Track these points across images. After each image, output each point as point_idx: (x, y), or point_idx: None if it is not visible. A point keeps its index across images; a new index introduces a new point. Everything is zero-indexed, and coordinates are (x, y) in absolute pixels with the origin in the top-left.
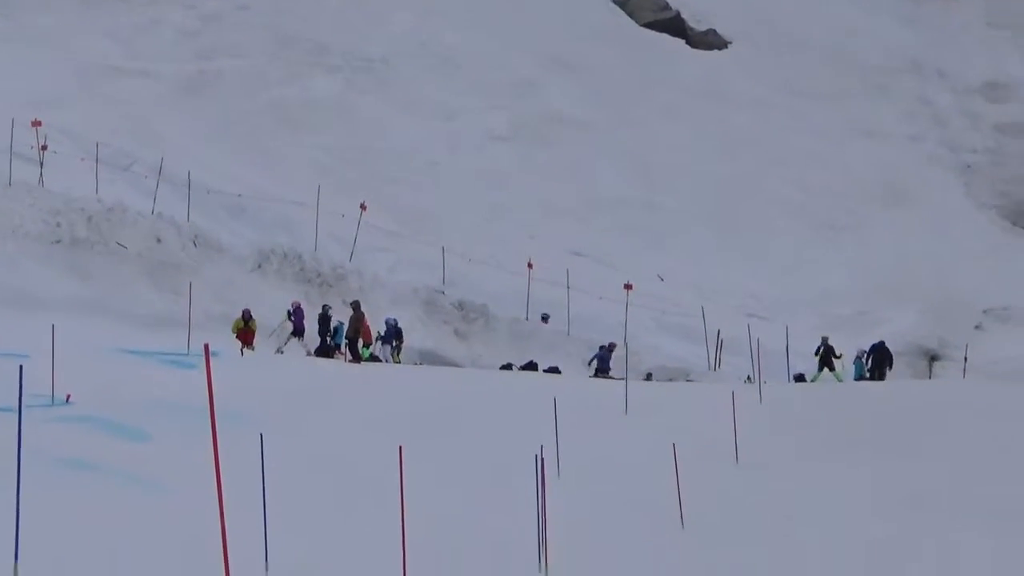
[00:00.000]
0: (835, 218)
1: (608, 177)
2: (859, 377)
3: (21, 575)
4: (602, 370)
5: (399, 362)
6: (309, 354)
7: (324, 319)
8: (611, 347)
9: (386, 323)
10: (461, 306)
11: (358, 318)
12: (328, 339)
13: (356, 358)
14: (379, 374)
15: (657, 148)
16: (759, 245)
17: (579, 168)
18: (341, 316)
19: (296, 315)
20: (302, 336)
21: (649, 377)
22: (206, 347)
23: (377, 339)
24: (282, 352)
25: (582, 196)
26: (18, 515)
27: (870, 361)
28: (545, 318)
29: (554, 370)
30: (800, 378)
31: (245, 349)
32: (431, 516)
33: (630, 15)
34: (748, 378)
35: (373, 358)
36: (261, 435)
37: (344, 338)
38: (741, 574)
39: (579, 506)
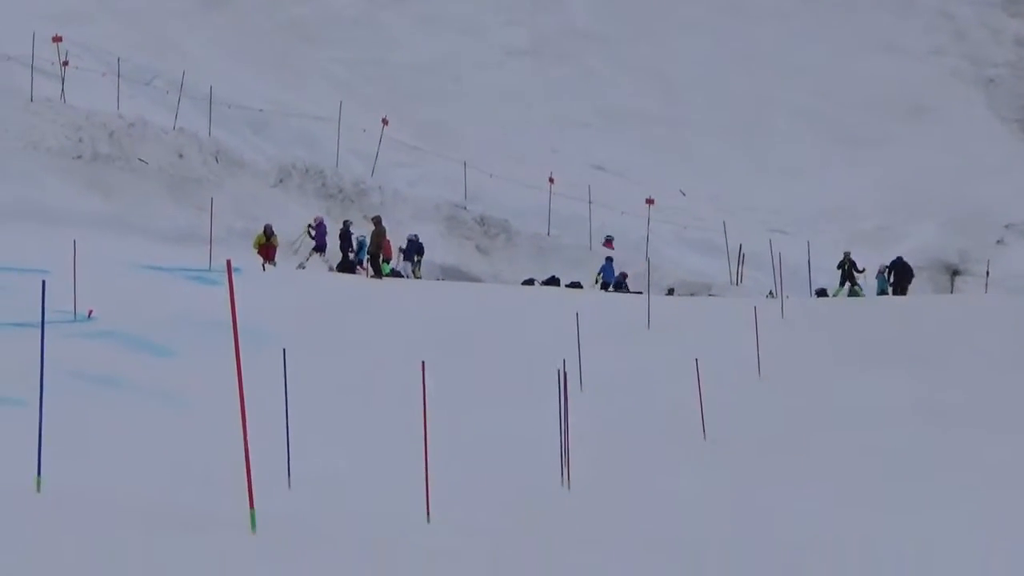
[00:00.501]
0: (856, 132)
1: (629, 92)
2: (881, 292)
3: (45, 490)
4: (608, 285)
5: (420, 277)
6: (331, 270)
7: (345, 234)
8: (623, 276)
9: (408, 239)
10: (483, 221)
11: (380, 233)
12: (350, 254)
13: (378, 273)
14: (401, 290)
15: (678, 62)
16: (781, 159)
17: (600, 83)
18: (362, 231)
19: (318, 230)
20: (324, 252)
21: (671, 292)
22: (228, 263)
23: (399, 254)
24: (304, 268)
25: (603, 111)
26: (41, 429)
27: (891, 276)
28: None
29: (576, 285)
30: (822, 293)
31: (267, 265)
32: (454, 431)
33: None
34: (770, 293)
35: (395, 273)
36: (284, 351)
37: (366, 253)
38: (763, 484)
39: (601, 420)
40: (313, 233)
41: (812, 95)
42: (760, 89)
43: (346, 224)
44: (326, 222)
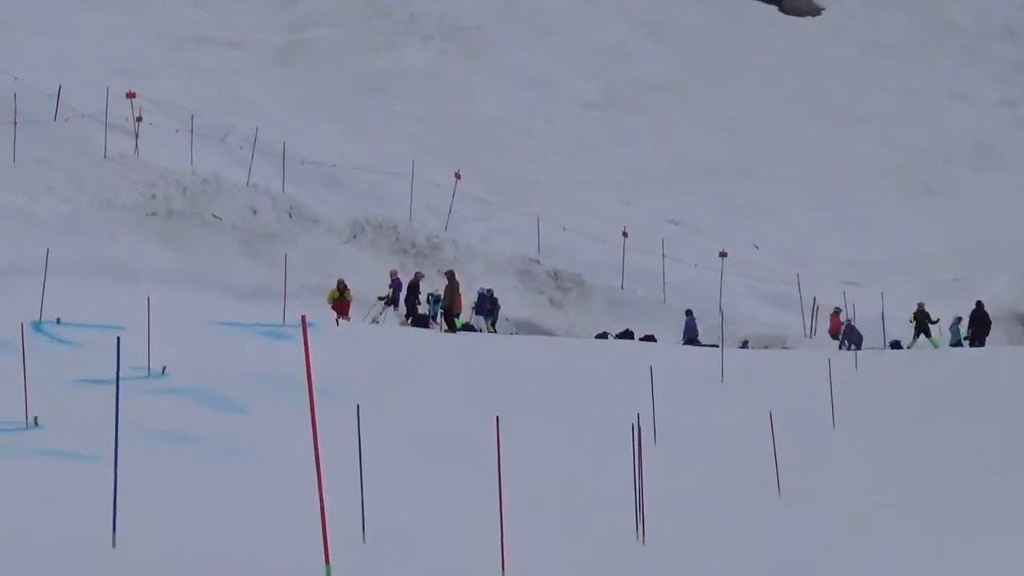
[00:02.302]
0: (926, 181)
1: (701, 144)
2: (955, 343)
3: (120, 546)
4: (690, 340)
5: (495, 331)
6: (403, 324)
7: (414, 287)
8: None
9: (479, 293)
10: (556, 275)
11: (453, 288)
12: (417, 307)
13: (451, 327)
14: (474, 344)
15: (749, 114)
16: (852, 210)
17: (672, 135)
18: (435, 286)
19: (394, 285)
20: (397, 306)
21: (745, 345)
22: (303, 318)
23: (472, 309)
24: (377, 322)
25: (675, 163)
26: (116, 486)
27: (967, 326)
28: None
29: (650, 338)
30: (896, 345)
31: (340, 319)
32: (528, 486)
33: None
34: (844, 345)
35: (467, 327)
36: (358, 406)
37: (439, 308)
38: (839, 541)
39: (676, 473)
40: (389, 294)
41: (882, 144)
42: (830, 139)
43: (417, 276)
44: (400, 276)
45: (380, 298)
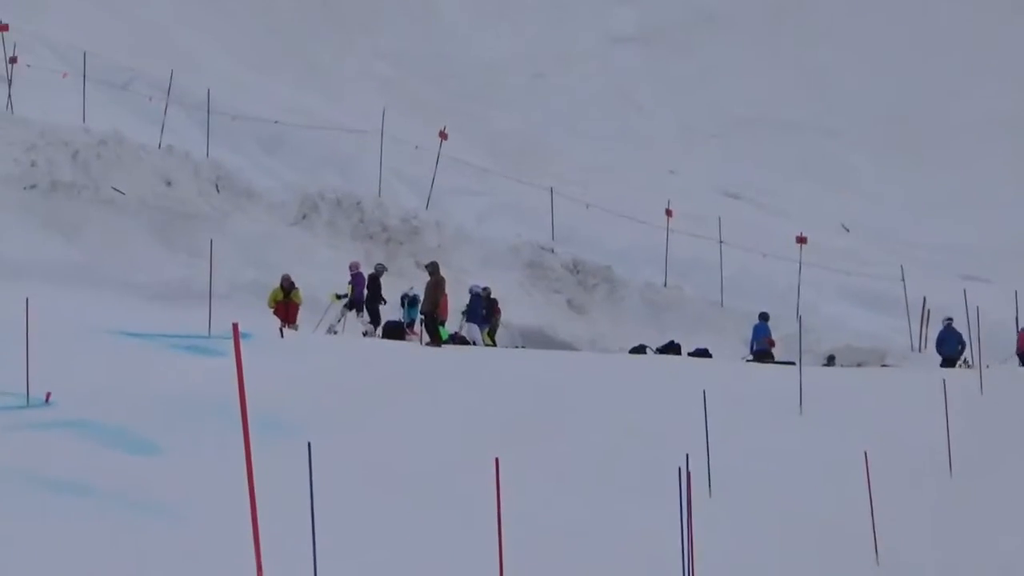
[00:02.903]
0: None
1: (768, 94)
2: None
3: None
4: (762, 352)
5: (493, 344)
6: (368, 334)
7: (374, 284)
8: (769, 344)
9: (471, 293)
10: (576, 268)
11: (436, 285)
12: (378, 308)
13: (435, 339)
14: (466, 361)
15: (834, 54)
16: (974, 182)
17: (731, 82)
18: (414, 282)
19: (355, 281)
20: (361, 310)
21: (831, 361)
22: (235, 327)
23: (462, 315)
24: (336, 332)
25: (736, 119)
26: None
27: None
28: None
29: (703, 353)
30: None
31: (285, 328)
32: (537, 551)
33: None
34: (965, 361)
35: (458, 339)
36: (309, 444)
37: (418, 313)
38: None
39: (738, 535)
40: (346, 293)
41: (1007, 97)
42: (943, 86)
43: (378, 269)
44: (363, 269)
45: (338, 297)
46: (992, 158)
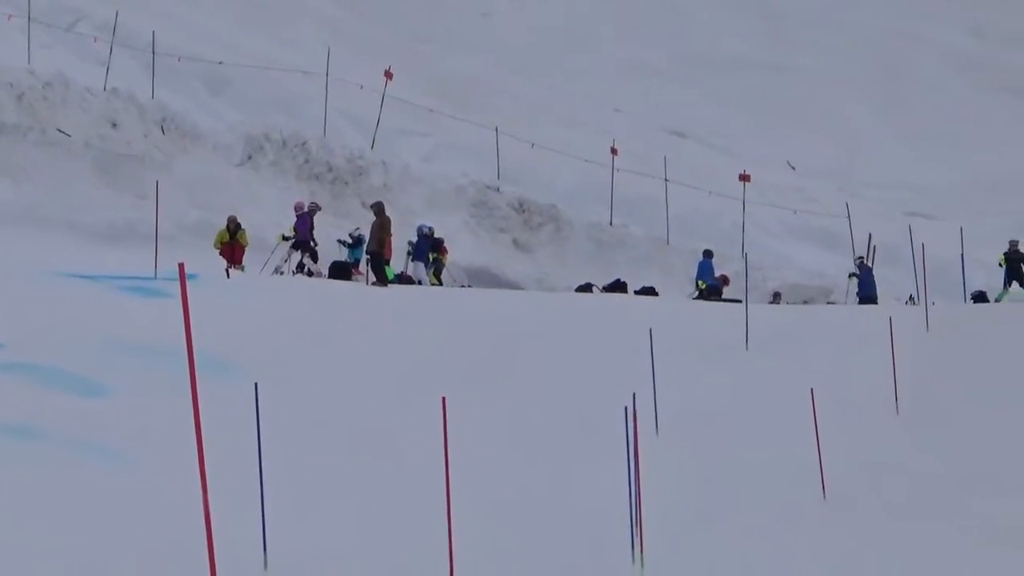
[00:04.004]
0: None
1: (720, 28)
2: None
3: None
4: (713, 288)
5: (439, 284)
6: (312, 274)
7: (307, 220)
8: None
9: (418, 232)
10: (522, 207)
11: (382, 226)
12: (313, 247)
13: (381, 279)
14: (412, 301)
15: None
16: (924, 119)
17: (680, 16)
18: (360, 222)
19: (300, 222)
20: (307, 250)
21: (777, 299)
22: (181, 268)
23: (408, 254)
24: (282, 272)
25: (684, 54)
26: None
27: None
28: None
29: (649, 291)
30: (981, 297)
31: (232, 269)
32: (486, 492)
33: None
34: (911, 298)
35: (404, 279)
36: (256, 386)
37: (365, 252)
38: (902, 559)
39: (684, 473)
40: (292, 234)
41: (966, 32)
42: (897, 24)
43: (312, 208)
44: (306, 206)
45: (285, 238)
46: (943, 97)
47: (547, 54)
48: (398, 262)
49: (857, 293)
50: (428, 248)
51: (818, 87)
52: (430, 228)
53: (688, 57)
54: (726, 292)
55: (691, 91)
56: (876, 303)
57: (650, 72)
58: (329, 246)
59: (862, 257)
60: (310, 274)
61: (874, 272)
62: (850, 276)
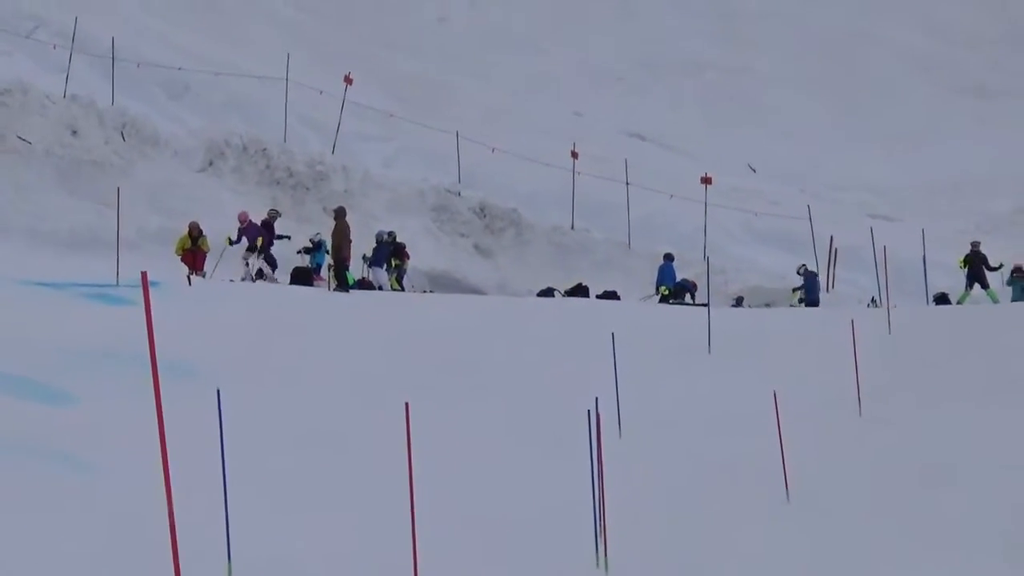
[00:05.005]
0: (987, 80)
1: (677, 30)
2: (1019, 299)
3: None
4: (680, 287)
5: (401, 289)
6: (264, 278)
7: (267, 228)
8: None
9: (377, 238)
10: (483, 211)
11: (342, 231)
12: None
13: (342, 285)
14: (373, 306)
15: None
16: (883, 120)
17: (636, 19)
18: (321, 227)
19: (248, 232)
20: (258, 251)
21: (739, 302)
22: (144, 275)
23: (364, 259)
24: (254, 280)
25: (642, 57)
26: None
27: None
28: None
29: (611, 295)
30: (943, 299)
31: (194, 276)
32: (449, 497)
33: None
34: (872, 300)
35: (364, 284)
36: (218, 392)
37: (324, 257)
38: (865, 560)
39: (648, 476)
40: (236, 237)
41: (924, 32)
42: (853, 24)
43: (271, 215)
44: (251, 216)
45: (231, 242)
46: (903, 97)
47: (505, 58)
48: (356, 267)
49: (801, 300)
50: (387, 253)
51: (776, 88)
52: (389, 233)
53: (646, 60)
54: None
55: (650, 94)
56: (818, 306)
57: (609, 75)
58: (286, 252)
59: (804, 265)
60: (262, 277)
61: (836, 274)
62: (794, 290)
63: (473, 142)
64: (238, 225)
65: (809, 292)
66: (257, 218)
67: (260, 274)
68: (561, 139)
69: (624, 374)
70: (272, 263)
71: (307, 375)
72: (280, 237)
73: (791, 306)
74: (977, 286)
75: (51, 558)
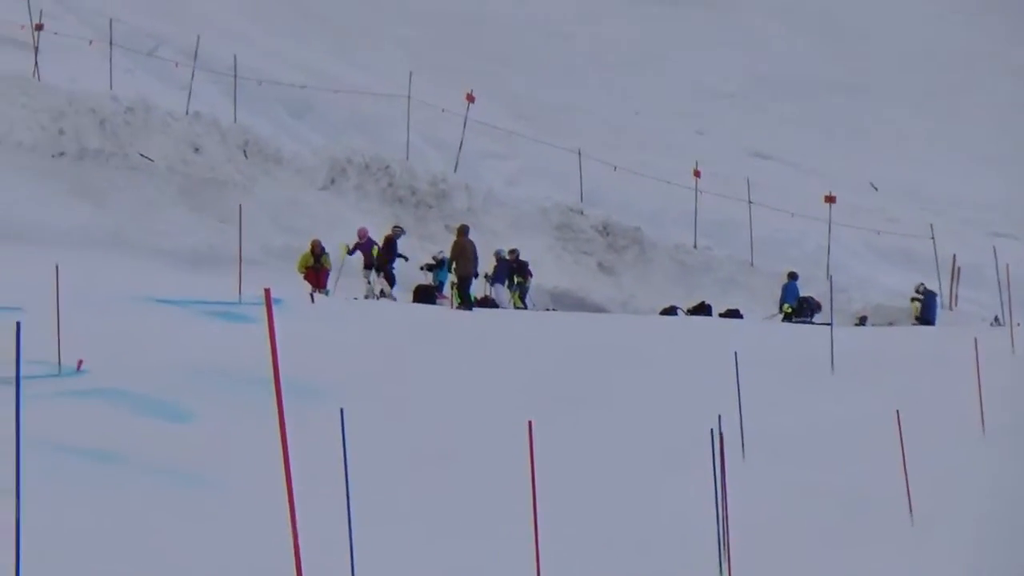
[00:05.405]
0: None
1: (796, 50)
2: None
3: None
4: (805, 301)
5: (524, 307)
6: (382, 295)
7: (390, 245)
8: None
9: (497, 256)
10: (606, 230)
11: (464, 247)
12: (392, 272)
13: (466, 302)
14: (497, 324)
15: (860, 8)
16: (1005, 137)
17: (758, 40)
18: (443, 245)
19: (363, 247)
20: (380, 271)
21: (862, 322)
22: (267, 292)
23: (485, 277)
24: (378, 297)
25: (762, 77)
26: (18, 524)
27: None
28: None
29: (733, 314)
30: None
31: (316, 293)
32: (571, 515)
33: None
34: (996, 319)
35: (486, 302)
36: (342, 411)
37: (447, 275)
38: None
39: (772, 496)
40: (351, 247)
41: None
42: (973, 41)
43: (395, 232)
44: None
45: (349, 252)
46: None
47: (628, 77)
48: (478, 285)
49: (917, 317)
50: (506, 271)
51: (894, 106)
52: (511, 251)
53: (766, 78)
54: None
55: (771, 112)
56: (934, 325)
57: (730, 94)
58: (409, 270)
59: (923, 283)
60: (381, 294)
61: (959, 293)
62: (912, 300)
63: (596, 160)
64: (356, 240)
65: (926, 310)
66: (379, 235)
67: (382, 292)
68: (683, 157)
69: (747, 393)
70: (391, 280)
71: (430, 394)
72: (400, 256)
73: (916, 317)
74: None
75: (170, 575)
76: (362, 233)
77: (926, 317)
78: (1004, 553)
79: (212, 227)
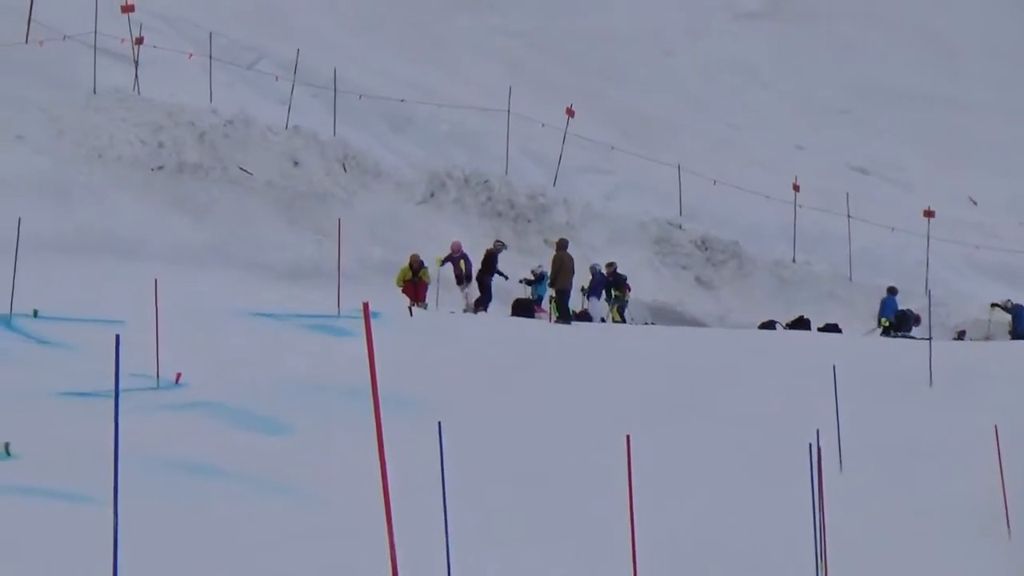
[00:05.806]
0: None
1: (895, 63)
2: None
3: None
4: (903, 315)
5: (623, 321)
6: (468, 310)
7: (490, 259)
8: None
9: (592, 271)
10: (704, 244)
11: (563, 261)
12: (489, 283)
13: (564, 316)
14: (595, 338)
15: (959, 21)
16: None
17: (857, 55)
18: (542, 259)
19: (452, 260)
20: (469, 283)
21: (961, 336)
22: (365, 306)
23: (582, 291)
24: (475, 312)
25: (863, 92)
26: (116, 536)
27: None
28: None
29: (832, 328)
30: None
31: (415, 307)
32: (668, 527)
33: None
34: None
35: (582, 316)
36: (439, 424)
37: (546, 289)
38: None
39: (869, 509)
40: (444, 259)
41: None
42: None
43: (497, 246)
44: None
45: (442, 263)
46: None
47: (727, 90)
48: (574, 300)
49: (1009, 332)
50: (603, 285)
51: (992, 120)
52: (608, 265)
53: (868, 94)
54: (914, 330)
55: (870, 127)
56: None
57: (829, 108)
58: (508, 283)
59: (1010, 299)
60: (466, 310)
61: None
62: (992, 305)
63: (695, 175)
64: (449, 252)
65: (1018, 323)
66: (478, 249)
67: (477, 305)
68: (782, 172)
69: (845, 406)
70: (487, 294)
71: (527, 407)
72: (499, 274)
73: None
74: None
75: None
76: (455, 247)
77: (1019, 331)
78: None
79: (311, 241)
